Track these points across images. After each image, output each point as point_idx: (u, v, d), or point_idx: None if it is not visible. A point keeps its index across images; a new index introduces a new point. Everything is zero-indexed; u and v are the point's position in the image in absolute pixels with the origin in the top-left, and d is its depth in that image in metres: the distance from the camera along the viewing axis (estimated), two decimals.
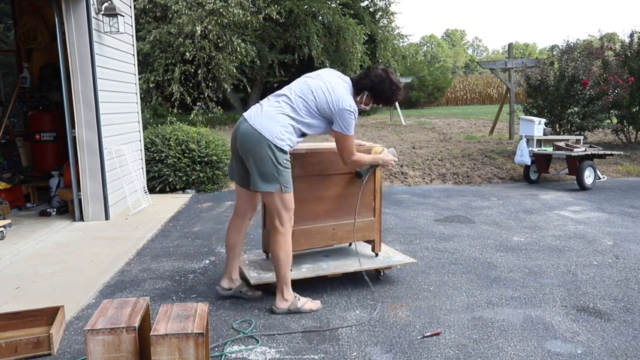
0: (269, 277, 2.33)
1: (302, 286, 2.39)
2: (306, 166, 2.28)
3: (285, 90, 2.15)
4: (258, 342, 1.94)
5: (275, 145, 2.01)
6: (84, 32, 3.62)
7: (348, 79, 2.22)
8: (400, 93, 2.24)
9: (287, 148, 2.05)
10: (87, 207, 3.84)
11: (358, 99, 2.19)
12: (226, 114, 10.96)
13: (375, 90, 2.18)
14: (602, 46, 6.92)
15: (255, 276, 2.34)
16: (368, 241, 2.59)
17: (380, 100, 2.22)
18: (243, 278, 2.36)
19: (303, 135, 2.14)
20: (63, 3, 3.58)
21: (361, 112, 2.37)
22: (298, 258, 2.54)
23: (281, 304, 2.16)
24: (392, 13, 14.97)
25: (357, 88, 2.19)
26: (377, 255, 2.54)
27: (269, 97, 2.16)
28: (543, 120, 5.61)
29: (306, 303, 2.19)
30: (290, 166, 2.08)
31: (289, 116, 2.07)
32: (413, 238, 3.39)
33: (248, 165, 2.09)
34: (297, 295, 2.19)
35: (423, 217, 4.02)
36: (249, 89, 11.14)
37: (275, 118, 2.05)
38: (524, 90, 7.18)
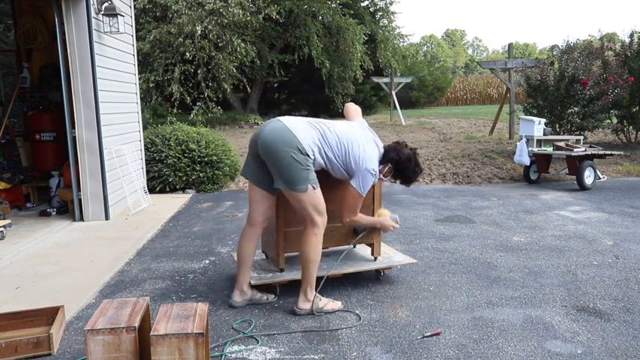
0: (269, 277, 2.33)
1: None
2: None
3: (328, 122, 2.20)
4: (258, 342, 1.94)
5: (304, 149, 2.03)
6: (84, 32, 3.62)
7: (381, 145, 2.27)
8: (420, 177, 2.28)
9: (311, 155, 2.07)
10: (87, 207, 3.84)
11: (380, 167, 2.22)
12: (226, 114, 10.95)
13: (399, 166, 2.23)
14: (602, 46, 6.92)
15: (255, 276, 2.34)
16: (368, 244, 2.58)
17: (400, 176, 2.27)
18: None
19: (324, 163, 2.14)
20: (63, 3, 3.58)
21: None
22: (298, 258, 2.54)
23: (303, 305, 2.15)
24: (392, 13, 14.99)
25: (384, 158, 2.23)
26: (376, 259, 2.54)
27: (311, 119, 2.21)
28: (543, 120, 5.61)
29: (328, 303, 2.19)
30: (313, 169, 2.09)
31: (320, 139, 2.11)
32: (413, 238, 3.39)
33: (270, 164, 2.08)
34: (319, 295, 2.18)
35: (423, 217, 4.02)
36: (249, 89, 11.16)
37: (310, 132, 2.10)
38: (524, 90, 7.18)
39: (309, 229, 2.10)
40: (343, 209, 2.20)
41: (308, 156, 2.04)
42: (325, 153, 2.11)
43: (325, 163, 2.14)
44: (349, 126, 2.23)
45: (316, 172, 2.11)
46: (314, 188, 2.06)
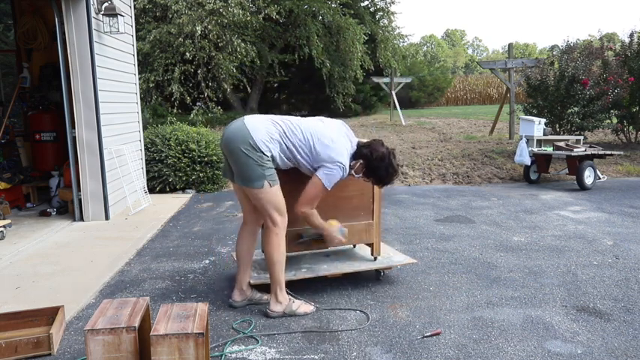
0: (269, 276, 2.33)
1: (302, 287, 2.39)
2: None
3: (292, 118, 2.17)
4: (258, 342, 1.94)
5: (258, 147, 2.01)
6: (84, 32, 3.62)
7: (355, 141, 2.21)
8: (395, 179, 2.21)
9: (269, 154, 2.04)
10: (87, 207, 3.84)
11: (352, 164, 2.16)
12: (226, 114, 10.95)
13: (371, 164, 2.13)
14: (602, 46, 6.92)
15: (254, 275, 2.34)
16: (367, 244, 2.58)
17: (371, 174, 2.17)
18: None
19: (288, 160, 2.11)
20: (63, 3, 3.58)
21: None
22: (297, 258, 2.54)
23: (275, 307, 2.14)
24: (392, 13, 14.98)
25: (356, 154, 2.16)
26: (375, 259, 2.53)
27: (277, 116, 2.18)
28: (543, 120, 5.61)
29: (301, 306, 2.17)
30: (272, 165, 2.06)
31: (281, 137, 2.07)
32: (413, 238, 3.39)
33: (231, 162, 2.10)
34: (292, 298, 2.17)
35: (423, 217, 4.02)
36: (249, 89, 11.15)
37: (267, 126, 2.07)
38: (524, 90, 7.18)
39: (269, 229, 2.09)
40: (301, 198, 2.10)
41: (262, 153, 2.01)
42: (288, 149, 2.07)
43: (289, 159, 2.09)
44: (319, 121, 2.18)
45: (309, 176, 2.09)
46: (271, 185, 2.03)
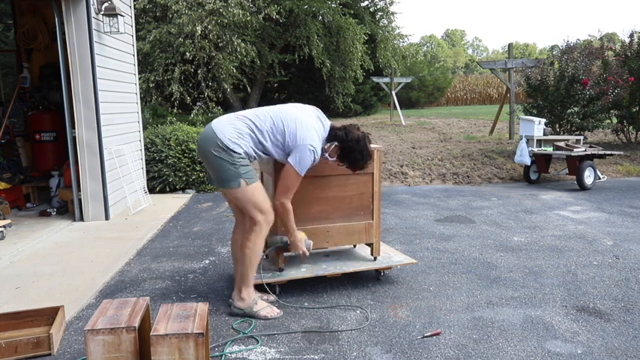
0: (268, 277, 2.33)
1: (302, 286, 2.39)
2: None
3: (260, 108, 2.15)
4: (258, 342, 1.94)
5: (226, 146, 1.99)
6: (84, 32, 3.62)
7: (328, 124, 2.16)
8: (368, 164, 2.17)
9: (240, 151, 2.02)
10: (87, 207, 3.84)
11: (326, 147, 2.12)
12: (226, 114, 10.94)
13: (345, 146, 2.10)
14: (602, 46, 6.92)
15: (255, 276, 2.33)
16: (367, 244, 2.58)
17: (345, 158, 2.13)
18: None
19: (263, 153, 2.08)
20: (63, 3, 3.58)
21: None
22: (297, 258, 2.54)
23: (238, 303, 2.13)
24: (392, 13, 14.99)
25: (330, 136, 2.13)
26: (375, 259, 2.53)
27: (244, 111, 2.16)
28: (543, 120, 5.60)
29: (264, 309, 2.12)
30: (248, 163, 2.03)
31: (251, 129, 2.04)
32: (413, 238, 3.39)
33: (206, 167, 2.11)
34: (256, 298, 2.14)
35: (423, 217, 4.02)
36: (249, 89, 11.15)
37: (233, 122, 2.05)
38: (524, 90, 7.18)
39: (250, 226, 2.08)
40: (278, 189, 2.07)
41: (232, 151, 1.99)
42: (260, 142, 2.03)
43: (264, 151, 2.06)
44: (289, 106, 2.15)
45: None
46: (247, 184, 2.01)
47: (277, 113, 2.08)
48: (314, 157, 2.05)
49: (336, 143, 2.11)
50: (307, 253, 2.25)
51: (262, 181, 2.56)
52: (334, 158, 2.14)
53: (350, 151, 2.10)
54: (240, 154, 2.01)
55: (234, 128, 2.03)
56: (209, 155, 2.02)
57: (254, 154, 2.06)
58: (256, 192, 2.05)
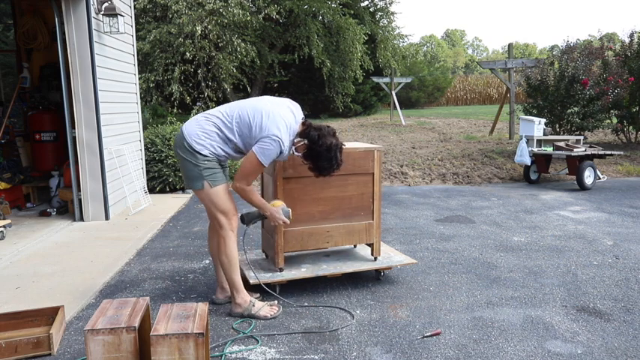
0: (268, 277, 2.33)
1: (302, 286, 2.39)
2: (299, 167, 2.25)
3: (230, 103, 2.13)
4: (258, 342, 1.94)
5: (192, 147, 2.00)
6: (84, 32, 3.62)
7: (300, 116, 2.09)
8: (334, 173, 2.08)
9: (206, 152, 2.01)
10: (87, 207, 3.84)
11: (296, 141, 2.05)
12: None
13: (314, 149, 2.01)
14: (602, 46, 6.92)
15: (254, 275, 2.34)
16: (368, 244, 2.58)
17: (312, 160, 2.04)
18: (243, 278, 2.35)
19: (234, 151, 2.06)
20: (63, 3, 3.58)
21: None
22: (298, 258, 2.54)
23: (235, 309, 2.13)
24: (392, 13, 14.99)
25: (303, 132, 2.05)
26: (376, 259, 2.53)
27: (212, 110, 2.14)
28: (543, 120, 5.60)
29: (262, 308, 2.12)
30: (214, 165, 2.03)
31: (218, 127, 2.02)
32: (413, 238, 3.39)
33: (180, 167, 2.14)
34: (253, 300, 2.14)
35: (423, 217, 4.02)
36: (249, 89, 11.15)
37: (200, 123, 2.05)
38: (524, 90, 7.18)
39: (217, 231, 2.09)
40: (237, 173, 2.03)
41: (198, 153, 1.99)
42: (228, 138, 2.01)
43: (235, 148, 2.04)
44: (260, 98, 2.11)
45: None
46: (211, 186, 2.02)
47: (245, 106, 2.04)
48: (280, 149, 1.98)
49: (305, 141, 2.03)
50: (288, 221, 2.16)
51: (262, 181, 2.56)
52: (300, 154, 2.07)
53: (317, 155, 2.03)
54: (205, 155, 2.01)
55: (200, 129, 2.03)
56: (177, 157, 2.09)
57: (223, 152, 2.04)
58: (220, 195, 2.04)
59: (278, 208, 2.16)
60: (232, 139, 2.03)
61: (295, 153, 2.08)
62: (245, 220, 2.20)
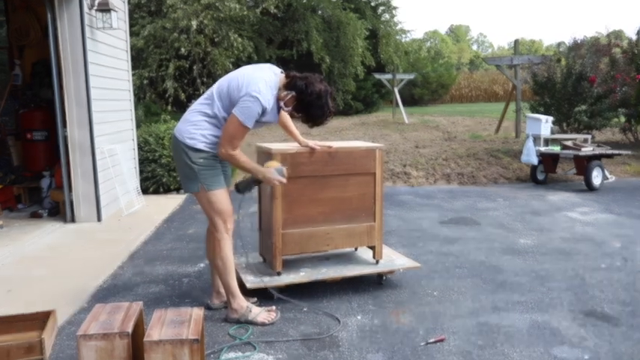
0: (267, 281, 2.27)
1: (301, 291, 2.34)
2: (297, 167, 2.21)
3: (212, 87, 2.07)
4: (255, 348, 1.89)
5: (185, 145, 1.97)
6: (76, 28, 3.55)
7: (279, 72, 2.01)
8: (327, 120, 2.01)
9: (201, 146, 1.96)
10: (79, 208, 3.76)
11: (282, 95, 1.96)
12: None
13: (304, 98, 1.94)
14: (610, 43, 6.80)
15: (251, 279, 2.28)
16: (369, 247, 2.51)
17: (303, 111, 1.98)
18: (240, 282, 2.30)
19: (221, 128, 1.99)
20: None
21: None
22: (297, 262, 2.49)
23: (230, 314, 2.09)
24: (394, 8, 14.83)
25: (288, 85, 1.96)
26: (377, 263, 2.48)
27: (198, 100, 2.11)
28: (550, 118, 5.51)
29: (260, 314, 2.06)
30: (212, 165, 1.98)
31: (203, 112, 1.99)
32: (416, 241, 3.33)
33: (177, 169, 2.13)
34: (250, 306, 2.09)
35: (427, 219, 3.95)
36: None
37: (187, 118, 2.03)
38: (530, 87, 7.08)
39: (212, 234, 2.07)
40: (221, 138, 1.94)
41: (192, 149, 1.95)
42: (216, 118, 1.95)
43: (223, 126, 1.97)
44: (232, 72, 2.06)
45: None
46: (206, 190, 1.99)
47: (220, 81, 2.02)
48: (261, 105, 1.88)
49: (293, 93, 1.95)
50: (284, 180, 2.06)
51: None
52: (289, 108, 2.00)
53: (308, 105, 1.95)
54: (200, 150, 1.96)
55: (189, 123, 2.01)
56: (175, 159, 2.09)
57: (216, 139, 1.98)
58: (214, 198, 2.01)
59: (271, 169, 2.05)
60: (218, 115, 1.97)
61: (284, 108, 2.00)
62: (240, 188, 2.09)
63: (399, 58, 13.43)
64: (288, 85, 1.97)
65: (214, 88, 2.02)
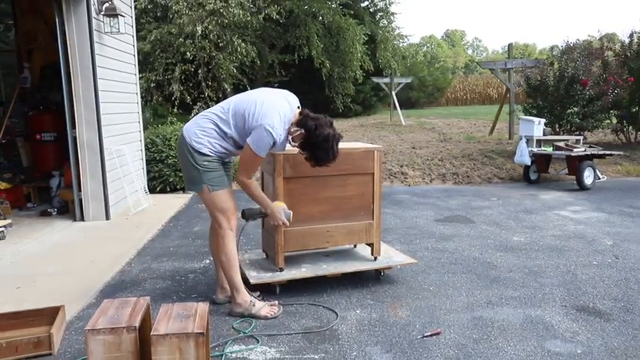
0: (269, 276, 2.33)
1: (302, 286, 2.39)
2: (298, 167, 2.25)
3: (227, 99, 2.13)
4: (258, 342, 1.94)
5: (192, 147, 2.00)
6: (84, 32, 3.62)
7: (296, 105, 2.06)
8: (330, 164, 2.06)
9: (206, 151, 2.01)
10: (87, 207, 3.84)
11: (292, 130, 2.01)
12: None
13: (312, 139, 1.98)
14: (602, 47, 6.92)
15: (254, 275, 2.34)
16: (368, 244, 2.58)
17: (309, 150, 2.02)
18: (243, 278, 2.36)
19: (234, 146, 2.05)
20: (63, 3, 3.58)
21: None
22: (298, 258, 2.54)
23: (235, 308, 2.14)
24: (392, 14, 14.99)
25: (300, 122, 2.01)
26: (376, 259, 2.53)
27: (209, 109, 2.14)
28: (543, 120, 5.61)
29: (263, 308, 2.11)
30: (215, 167, 2.03)
31: (215, 123, 2.01)
32: (413, 238, 3.39)
33: (181, 168, 2.16)
34: (253, 300, 2.14)
35: (423, 217, 4.02)
36: (249, 89, 11.12)
37: (198, 122, 2.05)
38: (523, 90, 7.19)
39: (215, 231, 2.11)
40: (239, 166, 2.04)
41: (198, 152, 1.99)
42: (225, 133, 1.99)
43: (234, 144, 2.03)
44: (255, 90, 2.12)
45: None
46: (210, 190, 2.02)
47: (240, 98, 2.05)
48: (273, 139, 1.94)
49: (302, 131, 2.00)
50: (287, 223, 2.16)
51: (262, 181, 2.56)
52: (296, 144, 2.04)
53: (315, 146, 2.00)
54: (205, 154, 2.01)
55: (198, 127, 2.03)
56: (179, 158, 2.11)
57: (222, 149, 2.04)
58: (218, 198, 2.05)
59: (280, 208, 2.17)
60: (229, 132, 2.02)
61: (292, 143, 2.05)
62: (245, 215, 2.20)
63: (397, 63, 13.55)
64: (299, 123, 2.01)
65: (232, 104, 2.03)
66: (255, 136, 1.95)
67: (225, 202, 2.06)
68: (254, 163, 2.02)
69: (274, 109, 1.97)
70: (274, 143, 1.98)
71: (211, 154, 2.02)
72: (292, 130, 2.02)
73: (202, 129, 2.03)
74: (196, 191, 2.09)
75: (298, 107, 2.09)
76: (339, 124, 10.80)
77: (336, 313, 2.16)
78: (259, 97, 2.02)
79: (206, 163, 2.02)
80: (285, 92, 2.13)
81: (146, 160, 5.00)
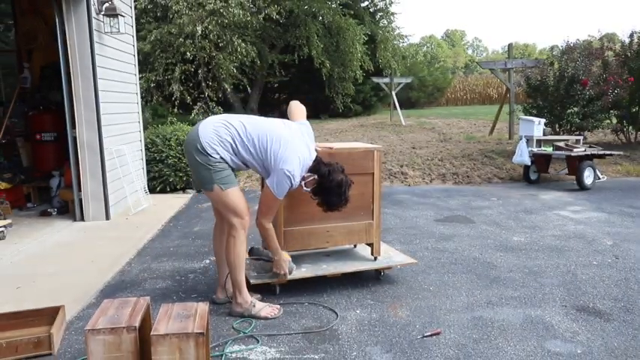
0: (269, 276, 2.33)
1: (302, 286, 2.40)
2: None
3: (251, 119, 2.12)
4: (258, 342, 1.94)
5: (204, 150, 2.00)
6: (84, 32, 3.62)
7: (313, 151, 2.13)
8: (342, 208, 2.14)
9: (217, 157, 2.02)
10: (87, 207, 3.84)
11: (306, 175, 2.08)
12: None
13: (324, 185, 2.06)
14: (602, 47, 6.93)
15: (254, 275, 2.35)
16: (368, 244, 2.58)
17: (321, 195, 2.09)
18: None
19: (242, 163, 2.07)
20: (63, 3, 3.58)
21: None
22: (298, 257, 2.55)
23: (235, 308, 2.15)
24: (392, 14, 15.00)
25: (313, 168, 2.08)
26: (376, 259, 2.54)
27: (233, 116, 2.14)
28: (543, 120, 5.61)
29: (263, 309, 2.13)
30: (225, 167, 2.03)
31: (233, 139, 2.02)
32: (413, 238, 3.39)
33: (189, 165, 2.16)
34: (254, 301, 2.15)
35: (423, 217, 4.02)
36: (249, 89, 11.16)
37: (217, 130, 2.04)
38: (523, 90, 7.19)
39: (228, 230, 2.11)
40: (259, 208, 2.10)
41: (209, 155, 2.00)
42: (239, 152, 2.02)
43: (243, 161, 2.05)
44: (281, 124, 2.12)
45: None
46: (222, 189, 2.03)
47: (265, 130, 2.05)
48: (291, 183, 2.03)
49: (315, 176, 2.08)
50: (287, 276, 2.26)
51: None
52: (309, 189, 2.11)
53: (327, 191, 2.08)
54: (216, 158, 2.02)
55: (216, 134, 2.03)
56: (189, 156, 2.08)
57: (231, 162, 2.05)
58: (230, 197, 2.05)
59: (288, 259, 2.25)
60: (244, 154, 2.05)
61: (304, 188, 2.11)
62: (253, 253, 2.30)
63: (397, 63, 13.56)
64: (312, 169, 2.08)
65: (257, 132, 2.02)
66: (276, 179, 2.02)
67: (237, 203, 2.06)
68: (274, 205, 2.10)
69: (295, 155, 2.03)
70: (290, 187, 2.05)
71: (221, 161, 2.05)
72: (306, 175, 2.09)
73: (220, 139, 2.02)
74: (207, 190, 2.06)
75: (317, 154, 2.14)
76: (339, 124, 10.83)
77: (336, 313, 2.17)
78: (284, 136, 2.04)
79: (217, 164, 2.03)
80: (305, 129, 2.16)
81: (146, 160, 5.00)
